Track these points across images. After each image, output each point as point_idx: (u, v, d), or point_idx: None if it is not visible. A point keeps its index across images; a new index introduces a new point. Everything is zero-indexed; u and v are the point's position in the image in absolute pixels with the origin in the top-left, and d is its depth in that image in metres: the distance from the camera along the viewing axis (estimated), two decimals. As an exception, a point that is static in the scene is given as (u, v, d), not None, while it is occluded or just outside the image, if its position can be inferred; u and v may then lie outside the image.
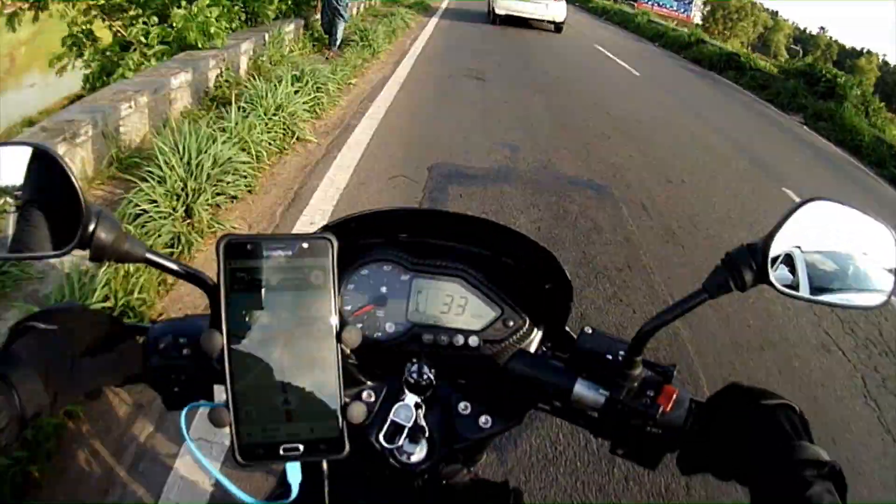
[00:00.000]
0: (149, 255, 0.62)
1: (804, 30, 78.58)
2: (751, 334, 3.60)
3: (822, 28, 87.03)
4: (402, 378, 0.77)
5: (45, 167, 0.59)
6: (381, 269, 0.88)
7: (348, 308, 0.85)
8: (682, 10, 54.55)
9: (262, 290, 0.53)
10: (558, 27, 16.46)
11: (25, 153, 0.60)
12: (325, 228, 0.81)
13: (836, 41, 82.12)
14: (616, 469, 2.37)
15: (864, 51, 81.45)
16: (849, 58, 76.34)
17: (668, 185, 5.91)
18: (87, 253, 0.60)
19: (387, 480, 0.76)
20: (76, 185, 0.58)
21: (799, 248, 0.65)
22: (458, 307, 0.86)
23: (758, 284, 0.64)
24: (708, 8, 61.46)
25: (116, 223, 0.60)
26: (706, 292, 0.65)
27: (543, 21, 16.26)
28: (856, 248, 0.67)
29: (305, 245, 0.54)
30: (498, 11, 16.06)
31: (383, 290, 0.87)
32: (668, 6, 53.39)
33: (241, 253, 0.53)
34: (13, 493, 1.82)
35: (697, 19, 54.44)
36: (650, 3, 52.61)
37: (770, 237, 0.63)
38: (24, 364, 0.54)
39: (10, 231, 0.58)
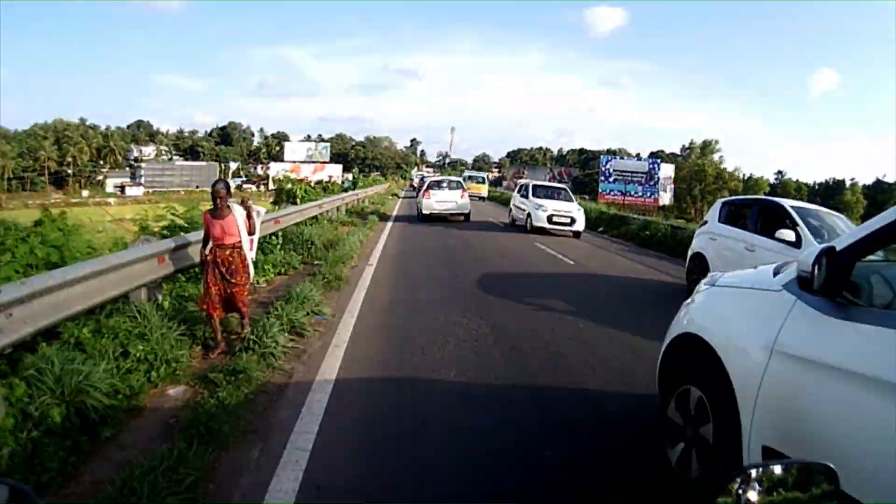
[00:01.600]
0: None
1: (759, 178, 77.91)
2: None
3: (779, 172, 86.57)
4: None
5: None
6: None
7: None
8: (649, 194, 53.53)
9: None
10: (466, 217, 20.28)
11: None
12: None
13: (799, 182, 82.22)
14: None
15: (831, 182, 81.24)
16: (817, 195, 75.81)
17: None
18: None
19: None
20: None
21: None
22: None
23: None
24: (672, 189, 60.62)
25: None
26: None
27: (456, 214, 20.09)
28: None
29: None
30: (424, 211, 20.09)
31: None
32: (633, 193, 52.35)
33: None
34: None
35: (665, 200, 53.71)
36: (614, 193, 51.62)
37: None
38: None
39: None
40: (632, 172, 55.12)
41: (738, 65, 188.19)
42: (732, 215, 8.66)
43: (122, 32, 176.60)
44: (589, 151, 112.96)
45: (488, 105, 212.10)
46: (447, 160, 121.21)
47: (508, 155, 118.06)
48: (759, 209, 8.04)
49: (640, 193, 54.54)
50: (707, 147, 65.65)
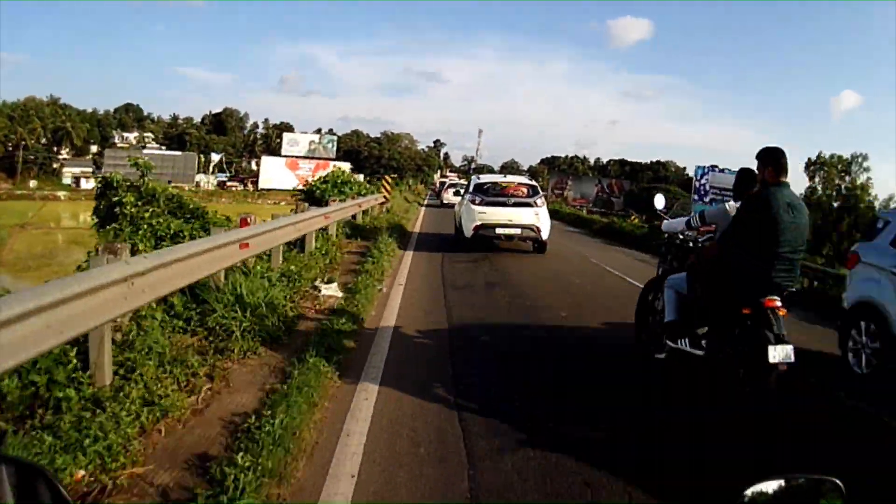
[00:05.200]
0: None
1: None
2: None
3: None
4: None
5: (38, 488, 0.59)
6: None
7: None
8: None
9: None
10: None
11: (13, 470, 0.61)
12: None
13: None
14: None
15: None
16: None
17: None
18: None
19: None
20: None
21: None
22: None
23: None
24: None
25: None
26: None
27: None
28: None
29: None
30: (444, 201, 34.84)
31: None
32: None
33: None
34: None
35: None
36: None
37: None
38: None
39: None
40: (731, 191, 39.78)
41: (770, 78, 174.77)
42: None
43: (146, 26, 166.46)
44: (631, 163, 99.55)
45: (512, 113, 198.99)
46: (473, 165, 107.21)
47: (544, 162, 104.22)
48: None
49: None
50: (851, 164, 49.41)
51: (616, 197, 68.30)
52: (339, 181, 18.50)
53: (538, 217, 13.03)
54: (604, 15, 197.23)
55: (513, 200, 12.97)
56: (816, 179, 51.16)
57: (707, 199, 37.44)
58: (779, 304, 4.23)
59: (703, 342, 4.66)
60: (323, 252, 9.89)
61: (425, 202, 41.07)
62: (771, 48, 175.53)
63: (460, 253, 12.67)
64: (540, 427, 3.92)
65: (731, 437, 3.92)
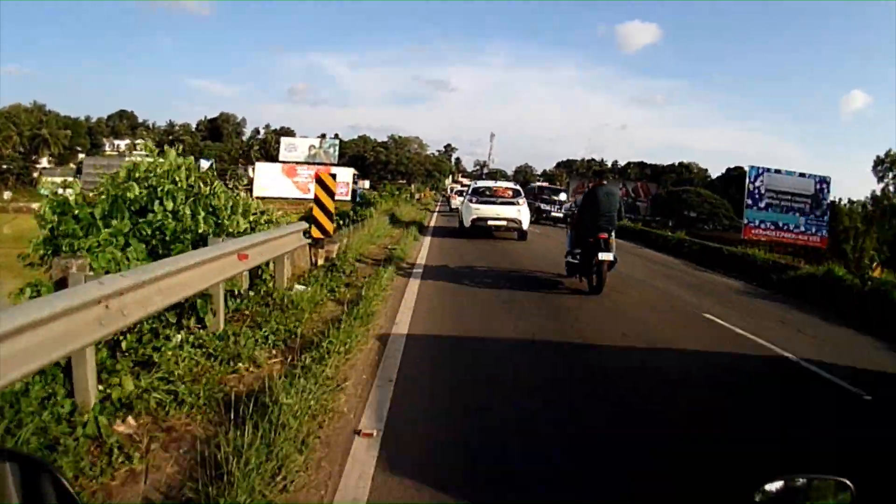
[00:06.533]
0: None
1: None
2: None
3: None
4: None
5: (42, 483, 0.59)
6: None
7: None
8: (814, 228, 32.82)
9: None
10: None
11: (18, 466, 0.58)
12: None
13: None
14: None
15: None
16: None
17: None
18: None
19: None
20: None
21: None
22: None
23: None
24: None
25: None
26: None
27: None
28: None
29: None
30: (451, 204, 37.57)
31: None
32: (791, 226, 32.14)
33: None
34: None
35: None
36: (766, 225, 31.76)
37: None
38: None
39: None
40: (791, 195, 33.93)
41: (781, 78, 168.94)
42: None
43: (153, 35, 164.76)
44: (652, 165, 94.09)
45: (523, 118, 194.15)
46: (485, 170, 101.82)
47: (561, 165, 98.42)
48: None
49: (803, 228, 33.52)
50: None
51: (642, 201, 62.48)
52: (118, 193, 6.04)
53: (520, 213, 17.53)
54: (612, 20, 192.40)
55: (500, 200, 17.71)
56: (887, 179, 44.99)
57: (762, 205, 31.66)
58: (607, 236, 9.23)
59: (577, 256, 9.85)
60: None
61: (436, 210, 40.19)
62: (780, 49, 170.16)
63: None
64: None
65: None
